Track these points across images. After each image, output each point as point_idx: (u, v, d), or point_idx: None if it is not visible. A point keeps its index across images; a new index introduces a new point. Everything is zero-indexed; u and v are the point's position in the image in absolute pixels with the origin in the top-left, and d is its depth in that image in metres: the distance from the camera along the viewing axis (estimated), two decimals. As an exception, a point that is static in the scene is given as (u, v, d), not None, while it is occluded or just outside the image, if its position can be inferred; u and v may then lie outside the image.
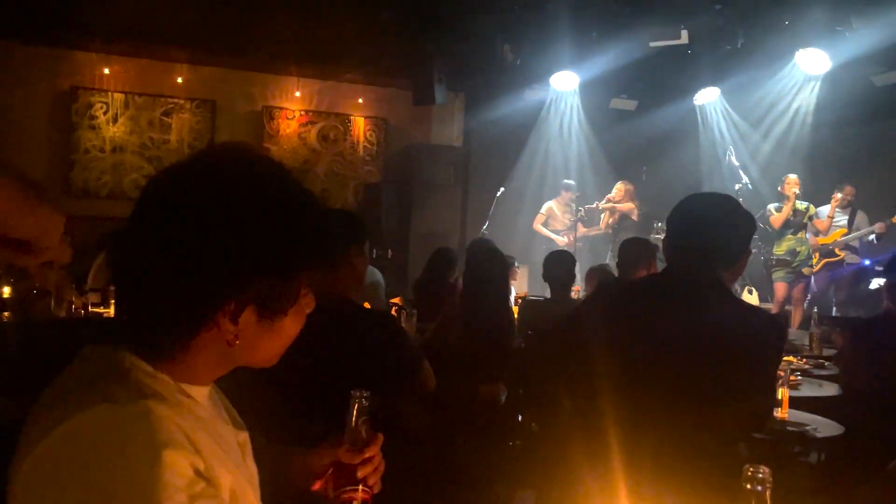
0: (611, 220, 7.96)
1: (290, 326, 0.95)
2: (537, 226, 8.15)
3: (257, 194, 0.88)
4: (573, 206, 8.02)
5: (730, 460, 1.90)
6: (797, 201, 6.98)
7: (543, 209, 8.20)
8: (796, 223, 7.00)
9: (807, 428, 2.51)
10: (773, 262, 7.09)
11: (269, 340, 0.94)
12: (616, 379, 1.91)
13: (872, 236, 6.85)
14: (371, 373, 2.36)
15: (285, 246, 0.89)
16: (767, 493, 0.82)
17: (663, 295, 2.00)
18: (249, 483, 0.96)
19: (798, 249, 6.99)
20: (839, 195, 7.03)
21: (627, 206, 7.81)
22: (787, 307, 7.05)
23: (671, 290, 2.00)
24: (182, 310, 0.87)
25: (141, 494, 0.74)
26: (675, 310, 1.93)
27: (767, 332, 1.90)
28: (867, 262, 6.90)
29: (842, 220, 7.07)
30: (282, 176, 0.93)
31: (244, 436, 1.04)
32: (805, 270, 7.01)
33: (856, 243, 7.01)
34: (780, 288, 7.06)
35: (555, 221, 8.16)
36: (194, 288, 0.86)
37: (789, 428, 2.50)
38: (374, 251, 7.83)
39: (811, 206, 7.08)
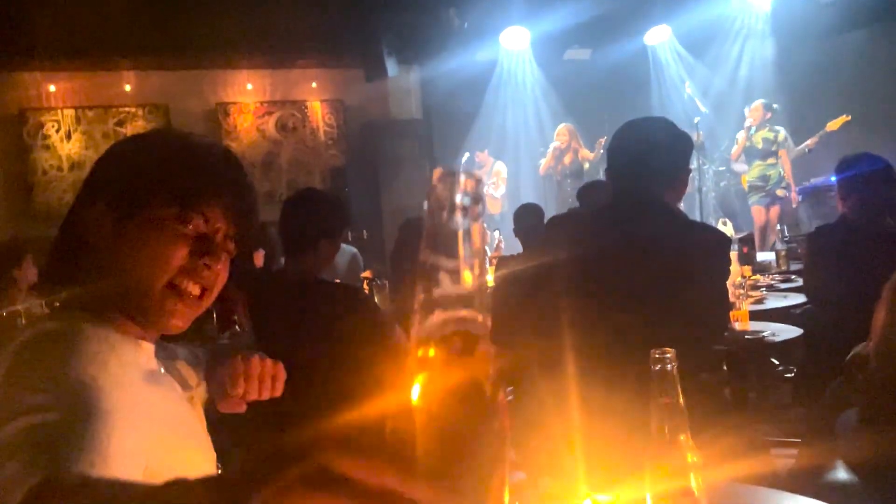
0: (559, 168, 7.69)
1: (154, 240, 0.94)
2: None
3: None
4: (491, 161, 8.06)
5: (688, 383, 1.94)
6: (768, 129, 7.02)
7: None
8: (764, 151, 7.06)
9: (764, 334, 2.56)
10: (747, 189, 7.21)
11: (134, 250, 0.94)
12: (573, 307, 1.94)
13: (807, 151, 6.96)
14: (346, 338, 2.45)
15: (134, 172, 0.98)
16: (674, 371, 0.85)
17: (611, 220, 2.03)
18: (190, 431, 1.01)
19: (769, 174, 7.07)
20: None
21: (585, 154, 7.69)
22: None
23: (618, 214, 2.04)
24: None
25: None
26: (624, 233, 1.96)
27: (712, 245, 1.94)
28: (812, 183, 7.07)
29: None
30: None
31: (191, 393, 1.08)
32: (779, 192, 7.09)
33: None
34: (756, 212, 7.15)
35: None
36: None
37: (747, 337, 2.55)
38: (350, 234, 7.81)
39: (781, 132, 7.07)
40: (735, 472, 1.29)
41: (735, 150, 7.17)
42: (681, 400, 0.84)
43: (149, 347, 1.00)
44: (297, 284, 2.53)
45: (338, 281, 3.80)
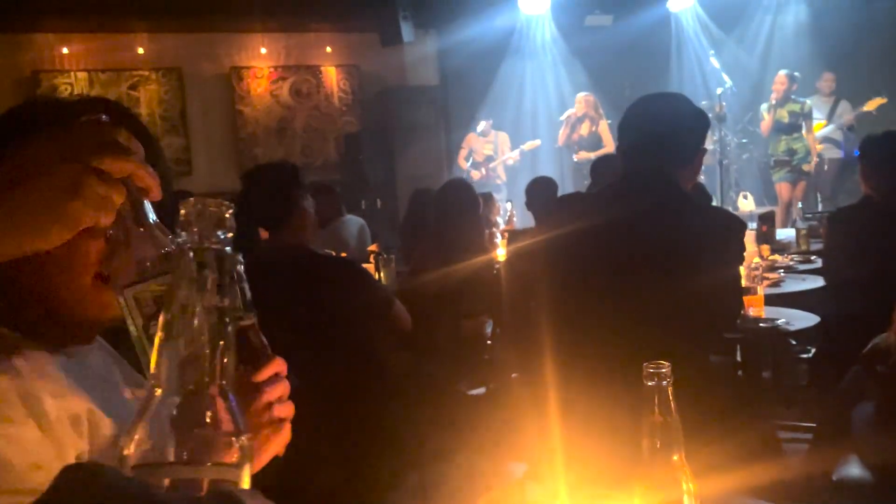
0: (575, 137, 7.45)
1: None
2: (460, 160, 7.91)
3: None
4: (493, 133, 7.83)
5: (696, 369, 1.86)
6: (792, 101, 6.72)
7: (464, 142, 7.97)
8: (790, 124, 6.78)
9: (779, 322, 2.46)
10: (773, 164, 6.96)
11: None
12: (579, 290, 1.86)
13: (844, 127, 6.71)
14: (343, 315, 2.36)
15: None
16: (669, 388, 0.77)
17: (618, 199, 1.93)
18: None
19: (795, 148, 6.80)
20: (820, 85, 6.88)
21: (603, 127, 7.38)
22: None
23: (628, 196, 1.94)
24: None
25: None
26: (631, 213, 1.87)
27: (725, 231, 1.84)
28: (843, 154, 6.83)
29: (820, 113, 6.87)
30: None
31: (141, 392, 1.02)
32: (805, 167, 6.84)
33: (839, 136, 6.83)
34: (783, 188, 6.90)
35: (475, 154, 7.92)
36: None
37: (762, 325, 2.46)
38: (363, 202, 7.74)
39: (807, 103, 6.76)
40: (740, 478, 1.22)
41: (763, 125, 6.88)
42: (676, 417, 0.77)
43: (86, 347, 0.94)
44: (290, 260, 2.39)
45: (343, 255, 3.74)
